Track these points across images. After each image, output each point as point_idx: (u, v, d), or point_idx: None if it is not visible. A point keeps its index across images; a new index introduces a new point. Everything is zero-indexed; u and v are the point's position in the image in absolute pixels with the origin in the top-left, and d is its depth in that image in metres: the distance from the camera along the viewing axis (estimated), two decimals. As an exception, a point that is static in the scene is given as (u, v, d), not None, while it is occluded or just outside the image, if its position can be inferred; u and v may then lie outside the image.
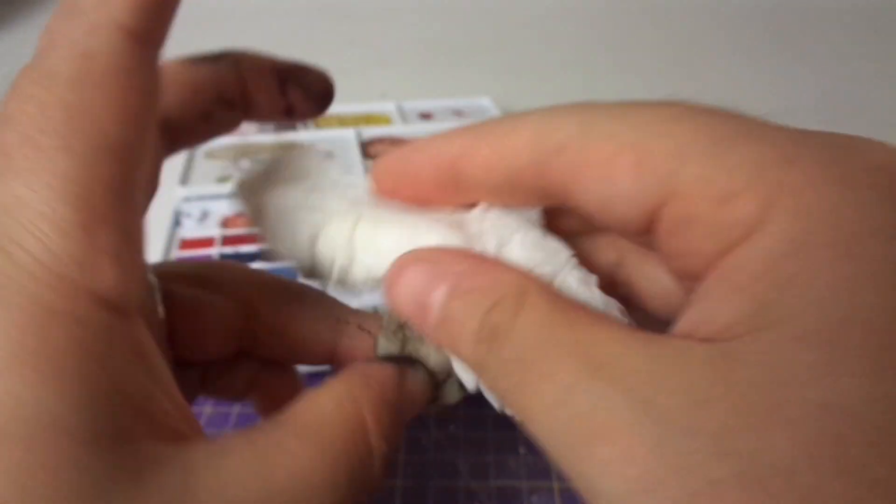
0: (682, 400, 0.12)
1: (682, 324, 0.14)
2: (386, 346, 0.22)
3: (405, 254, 0.18)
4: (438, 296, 0.16)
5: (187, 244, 0.45)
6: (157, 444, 0.14)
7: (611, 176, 0.15)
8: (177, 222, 0.47)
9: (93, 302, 0.14)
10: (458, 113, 0.66)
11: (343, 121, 0.63)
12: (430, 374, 0.21)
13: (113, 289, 0.14)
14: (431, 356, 0.21)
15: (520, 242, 0.18)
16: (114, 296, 0.14)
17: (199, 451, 0.14)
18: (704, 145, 0.14)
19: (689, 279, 0.15)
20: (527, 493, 0.32)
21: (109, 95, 0.14)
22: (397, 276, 0.17)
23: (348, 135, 0.59)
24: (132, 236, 0.15)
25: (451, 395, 0.22)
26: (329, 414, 0.17)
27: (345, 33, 0.90)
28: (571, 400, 0.13)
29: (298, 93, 0.23)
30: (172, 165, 0.53)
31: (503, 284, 0.16)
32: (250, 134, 0.59)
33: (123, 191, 0.14)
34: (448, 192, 0.19)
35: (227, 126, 0.23)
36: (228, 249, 0.45)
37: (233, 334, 0.23)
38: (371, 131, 0.60)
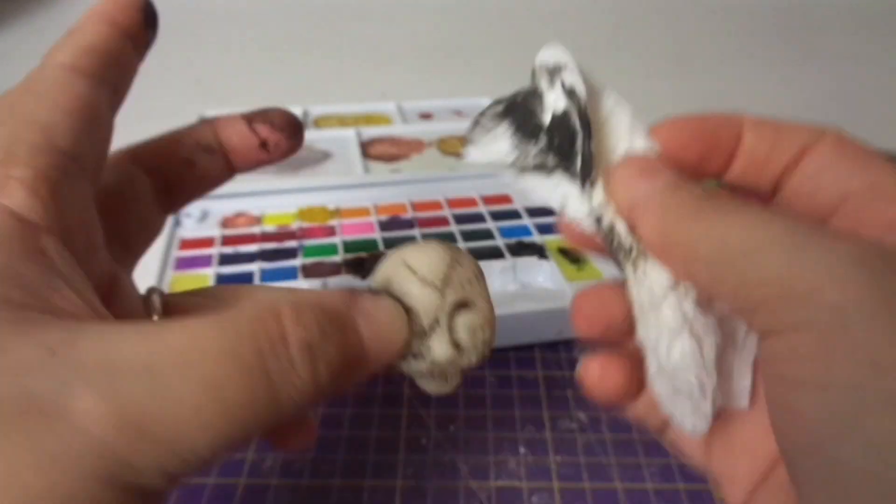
0: None
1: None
2: (373, 280, 0.21)
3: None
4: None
5: (187, 244, 0.45)
6: (47, 316, 0.16)
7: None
8: (177, 222, 0.47)
9: (1, 211, 0.17)
10: (458, 113, 0.66)
11: (343, 121, 0.63)
12: (406, 309, 0.20)
13: (21, 206, 0.17)
14: (417, 299, 0.20)
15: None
16: (22, 211, 0.17)
17: (91, 322, 0.16)
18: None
19: None
20: (527, 493, 0.32)
21: (42, 97, 0.19)
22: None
23: (348, 135, 0.59)
24: (55, 185, 0.18)
25: (439, 352, 0.20)
26: (240, 305, 0.18)
27: (345, 34, 0.90)
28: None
29: (265, 127, 0.25)
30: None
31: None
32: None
33: (45, 149, 0.18)
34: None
35: (215, 175, 0.26)
36: (228, 249, 0.45)
37: None
38: (371, 131, 0.60)
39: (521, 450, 0.34)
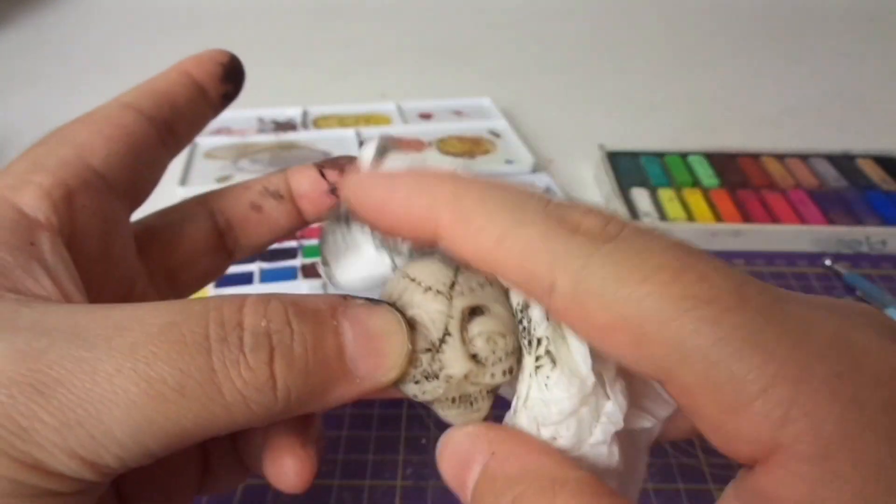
0: None
1: None
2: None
3: (462, 425, 0.18)
4: (473, 474, 0.17)
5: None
6: (10, 294, 0.16)
7: (610, 344, 0.15)
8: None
9: (9, 207, 0.18)
10: (457, 113, 0.66)
11: (343, 121, 0.63)
12: (412, 323, 0.18)
13: (29, 205, 0.18)
14: (421, 308, 0.18)
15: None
16: (28, 209, 0.18)
17: (50, 302, 0.17)
18: (707, 345, 0.13)
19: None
20: (527, 493, 0.32)
21: (88, 123, 0.21)
22: (447, 442, 0.18)
23: (348, 135, 0.59)
24: (72, 193, 0.19)
25: (455, 367, 0.17)
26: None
27: (344, 34, 0.90)
28: None
29: (334, 172, 0.25)
30: (172, 166, 0.53)
31: (531, 474, 0.16)
32: (250, 134, 0.59)
33: (72, 163, 0.20)
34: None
35: (283, 222, 0.26)
36: (228, 249, 0.45)
37: None
38: (371, 131, 0.60)
39: (521, 450, 0.34)
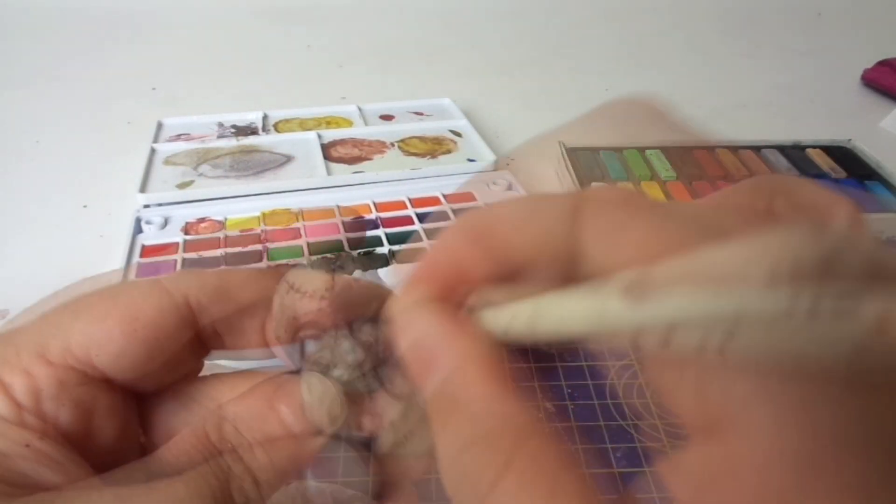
0: None
1: None
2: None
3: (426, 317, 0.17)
4: (433, 378, 0.15)
5: (150, 251, 0.45)
6: (36, 492, 0.17)
7: None
8: (138, 229, 0.46)
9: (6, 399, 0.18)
10: (418, 113, 0.66)
11: (304, 124, 0.63)
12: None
13: (22, 398, 0.18)
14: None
15: None
16: (22, 399, 0.18)
17: (73, 488, 0.17)
18: None
19: None
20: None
21: (115, 304, 0.20)
22: (409, 328, 0.17)
23: (310, 137, 0.59)
24: (63, 385, 0.19)
25: (389, 412, 0.20)
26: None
27: (304, 37, 0.90)
28: None
29: None
30: (130, 173, 0.52)
31: (492, 416, 0.14)
32: (210, 139, 0.59)
33: (73, 359, 0.19)
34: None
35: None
36: (192, 255, 0.44)
37: None
38: (332, 133, 0.60)
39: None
